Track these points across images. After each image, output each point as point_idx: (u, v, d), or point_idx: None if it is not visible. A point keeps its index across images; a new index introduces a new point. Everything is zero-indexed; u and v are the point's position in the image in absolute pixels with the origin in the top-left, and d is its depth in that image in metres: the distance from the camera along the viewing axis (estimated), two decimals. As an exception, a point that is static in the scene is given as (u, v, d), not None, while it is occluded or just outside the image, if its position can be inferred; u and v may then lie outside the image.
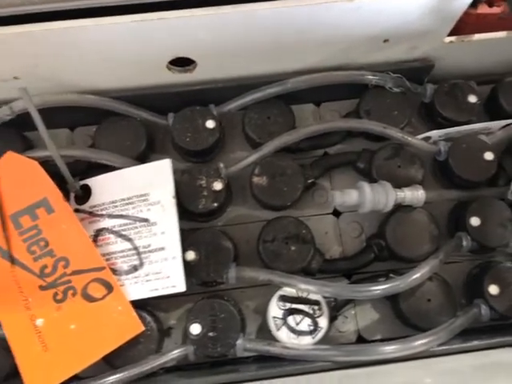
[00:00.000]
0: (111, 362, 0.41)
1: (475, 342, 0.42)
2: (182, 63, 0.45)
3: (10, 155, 0.44)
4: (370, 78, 0.48)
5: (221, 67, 0.45)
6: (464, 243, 0.44)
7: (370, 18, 0.41)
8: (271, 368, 0.42)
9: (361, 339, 0.45)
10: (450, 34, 0.46)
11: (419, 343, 0.40)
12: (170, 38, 0.40)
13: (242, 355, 0.42)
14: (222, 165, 0.46)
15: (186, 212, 0.45)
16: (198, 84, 0.47)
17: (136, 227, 0.43)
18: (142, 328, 0.40)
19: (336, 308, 0.44)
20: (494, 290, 0.43)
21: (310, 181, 0.47)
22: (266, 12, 0.39)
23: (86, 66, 0.43)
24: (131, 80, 0.46)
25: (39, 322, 0.40)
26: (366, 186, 0.43)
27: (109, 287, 0.41)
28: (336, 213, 0.49)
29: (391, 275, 0.44)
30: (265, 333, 0.44)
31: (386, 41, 0.44)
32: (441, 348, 0.41)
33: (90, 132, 0.50)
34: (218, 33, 0.41)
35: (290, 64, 0.47)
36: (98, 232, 0.43)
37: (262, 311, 0.45)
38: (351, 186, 0.46)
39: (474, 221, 0.44)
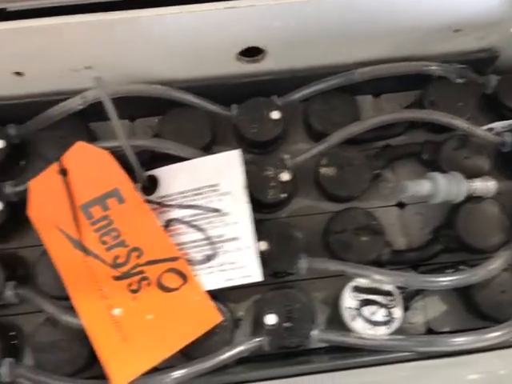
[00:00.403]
0: (187, 352, 0.40)
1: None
2: (250, 53, 0.45)
3: (80, 145, 0.44)
4: (435, 68, 0.47)
5: (289, 58, 0.45)
6: (535, 234, 0.44)
7: (444, 6, 0.41)
8: (344, 359, 0.42)
9: (430, 331, 0.45)
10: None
11: (496, 335, 0.39)
12: (243, 27, 0.40)
13: (315, 346, 0.42)
14: (287, 156, 0.46)
15: (251, 202, 0.45)
16: (264, 75, 0.47)
17: (207, 217, 0.43)
18: (221, 318, 0.40)
19: (406, 299, 0.43)
20: None
21: (375, 172, 0.47)
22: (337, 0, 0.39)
23: (154, 56, 0.43)
24: (198, 70, 0.46)
25: (117, 311, 0.40)
26: (440, 177, 0.43)
27: (184, 277, 0.41)
28: (400, 205, 0.49)
29: (461, 267, 0.44)
30: (334, 324, 0.44)
31: (456, 31, 0.44)
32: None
33: (150, 123, 0.51)
34: (291, 21, 0.41)
35: (356, 54, 0.47)
36: (168, 222, 0.43)
37: (330, 302, 0.46)
38: (414, 177, 0.45)
39: (545, 211, 0.44)
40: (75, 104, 0.44)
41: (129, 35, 0.41)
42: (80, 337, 0.40)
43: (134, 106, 0.48)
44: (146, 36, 0.41)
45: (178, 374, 0.38)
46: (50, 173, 0.43)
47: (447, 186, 0.42)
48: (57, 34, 0.39)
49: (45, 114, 0.44)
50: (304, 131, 0.51)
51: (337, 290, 0.44)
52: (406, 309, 0.44)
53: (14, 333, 0.43)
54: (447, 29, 0.44)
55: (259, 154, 0.49)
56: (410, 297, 0.44)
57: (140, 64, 0.44)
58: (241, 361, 0.43)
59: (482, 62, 0.49)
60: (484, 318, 0.43)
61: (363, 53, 0.47)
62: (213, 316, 0.40)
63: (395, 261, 0.45)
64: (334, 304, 0.45)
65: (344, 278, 0.43)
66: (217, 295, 0.43)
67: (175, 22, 0.40)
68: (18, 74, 0.42)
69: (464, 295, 0.44)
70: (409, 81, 0.49)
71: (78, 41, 0.40)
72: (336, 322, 0.44)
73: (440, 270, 0.45)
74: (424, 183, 0.43)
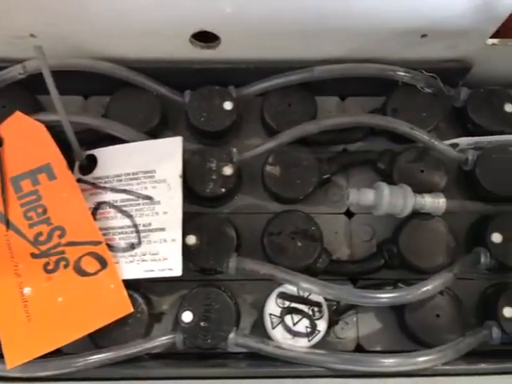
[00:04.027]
0: (96, 341, 0.39)
1: (482, 365, 0.39)
2: (205, 39, 0.43)
3: (18, 116, 0.42)
4: (402, 74, 0.45)
5: (244, 47, 0.43)
6: (482, 259, 0.41)
7: (410, 8, 0.39)
8: (261, 367, 0.40)
9: (359, 348, 0.43)
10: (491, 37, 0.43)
11: (423, 359, 0.38)
12: (195, 9, 0.38)
13: (232, 350, 0.40)
14: (234, 150, 0.44)
15: (191, 195, 0.43)
16: (219, 63, 0.45)
17: (138, 204, 0.41)
18: (131, 309, 0.38)
19: (338, 312, 0.41)
20: (508, 312, 0.40)
21: (325, 176, 0.45)
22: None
23: (106, 32, 0.41)
24: (151, 51, 0.44)
25: (27, 290, 0.38)
26: (385, 187, 0.40)
27: (103, 263, 0.39)
28: (349, 213, 0.46)
29: (400, 285, 0.41)
30: (259, 330, 0.42)
31: (423, 36, 0.42)
32: (444, 367, 0.38)
33: (104, 102, 0.49)
34: (244, 9, 0.39)
35: (318, 51, 0.44)
36: (99, 205, 0.42)
37: (259, 307, 0.43)
38: (369, 186, 0.43)
39: (496, 237, 0.41)
40: (16, 73, 0.42)
41: (76, 7, 0.39)
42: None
43: (85, 82, 0.46)
44: (94, 9, 0.39)
45: (82, 360, 0.37)
46: (-15, 141, 0.42)
47: (391, 198, 0.40)
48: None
49: (-15, 80, 0.43)
50: (259, 126, 0.49)
51: (267, 295, 0.43)
52: (336, 322, 0.42)
53: None
54: (414, 33, 0.41)
55: (209, 145, 0.47)
56: (342, 310, 0.42)
57: (90, 39, 0.42)
58: (157, 356, 0.41)
59: (452, 72, 0.46)
60: (416, 342, 0.41)
61: (320, 50, 0.44)
62: (124, 306, 0.38)
63: (332, 271, 0.43)
64: (262, 309, 0.43)
65: (275, 283, 0.41)
66: (141, 285, 0.42)
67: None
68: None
69: (398, 315, 0.42)
70: (375, 86, 0.47)
71: (22, 4, 0.38)
72: (262, 327, 0.42)
73: (379, 285, 0.42)
74: (368, 192, 0.41)
